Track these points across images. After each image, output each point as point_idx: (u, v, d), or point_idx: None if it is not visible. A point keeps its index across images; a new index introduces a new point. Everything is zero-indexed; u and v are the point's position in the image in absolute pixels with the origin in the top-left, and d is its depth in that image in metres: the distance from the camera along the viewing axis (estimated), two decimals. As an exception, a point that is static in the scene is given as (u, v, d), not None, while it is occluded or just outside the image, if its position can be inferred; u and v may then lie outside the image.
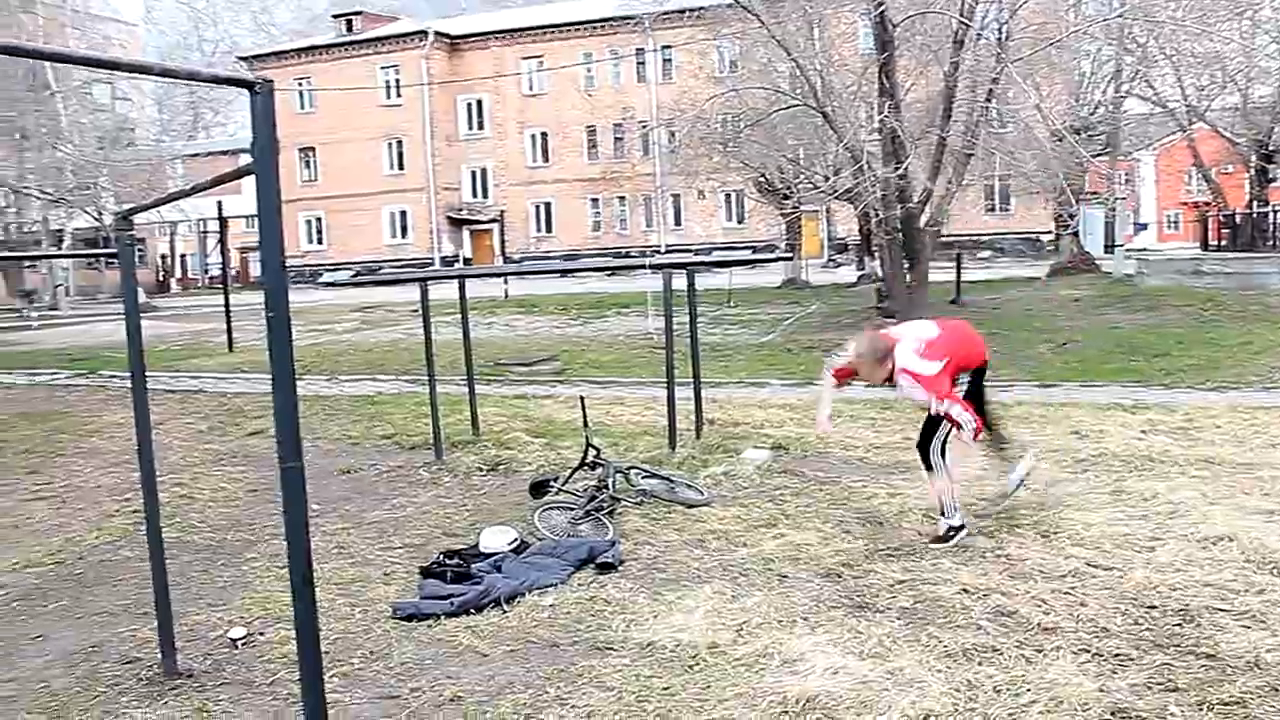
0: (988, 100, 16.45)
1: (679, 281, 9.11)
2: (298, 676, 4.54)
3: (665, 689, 4.27)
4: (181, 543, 6.70)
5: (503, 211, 50.95)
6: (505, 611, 5.25)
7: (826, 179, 20.77)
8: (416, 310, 23.66)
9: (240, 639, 5.10)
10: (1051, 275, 27.91)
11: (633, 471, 7.46)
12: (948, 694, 4.06)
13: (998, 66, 15.90)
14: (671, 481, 7.43)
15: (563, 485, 7.26)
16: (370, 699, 4.40)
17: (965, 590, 5.20)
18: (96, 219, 38.90)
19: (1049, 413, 10.06)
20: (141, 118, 50.05)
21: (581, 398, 8.11)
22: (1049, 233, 39.22)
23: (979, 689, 4.10)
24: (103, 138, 38.54)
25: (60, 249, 37.39)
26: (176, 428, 11.40)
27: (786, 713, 4.01)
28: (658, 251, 44.97)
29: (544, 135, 51.82)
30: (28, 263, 40.39)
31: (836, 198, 21.02)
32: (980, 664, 4.35)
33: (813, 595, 5.28)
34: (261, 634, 5.16)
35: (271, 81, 2.57)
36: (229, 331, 20.30)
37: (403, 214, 52.47)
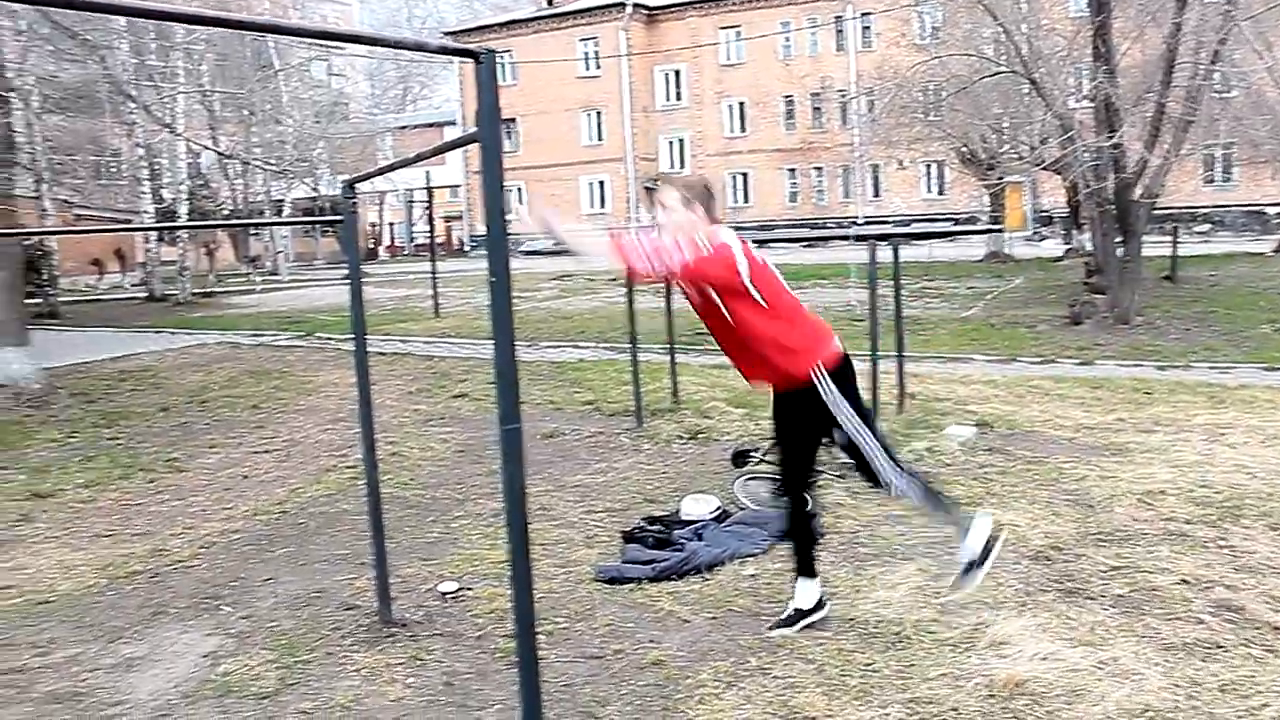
0: (1212, 63, 15.42)
1: (882, 253, 8.92)
2: (505, 631, 4.73)
3: (868, 664, 4.22)
4: (394, 498, 6.97)
5: (700, 181, 51.07)
6: (707, 579, 5.28)
7: (1032, 149, 19.97)
8: (614, 279, 24.11)
9: (450, 593, 5.29)
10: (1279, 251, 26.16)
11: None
12: (1167, 689, 3.86)
13: (1225, 26, 14.87)
14: (873, 455, 7.30)
15: (764, 456, 7.23)
16: (574, 658, 4.50)
17: (1185, 581, 4.93)
18: (314, 189, 40.95)
19: (1277, 397, 9.44)
20: (355, 93, 52.25)
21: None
22: (1276, 205, 36.71)
23: (1201, 686, 3.88)
24: (320, 112, 40.43)
25: (280, 217, 39.52)
26: (387, 388, 11.88)
27: (993, 696, 3.90)
28: (854, 222, 44.23)
29: (741, 105, 51.56)
30: (252, 231, 42.79)
31: (1043, 168, 20.18)
32: (1203, 660, 4.11)
33: (1020, 577, 5.11)
34: (470, 589, 5.34)
35: (494, 52, 2.61)
36: (435, 297, 21.04)
37: (600, 184, 53.19)
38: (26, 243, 20.16)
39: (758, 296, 4.23)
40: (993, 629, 4.48)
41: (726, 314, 4.27)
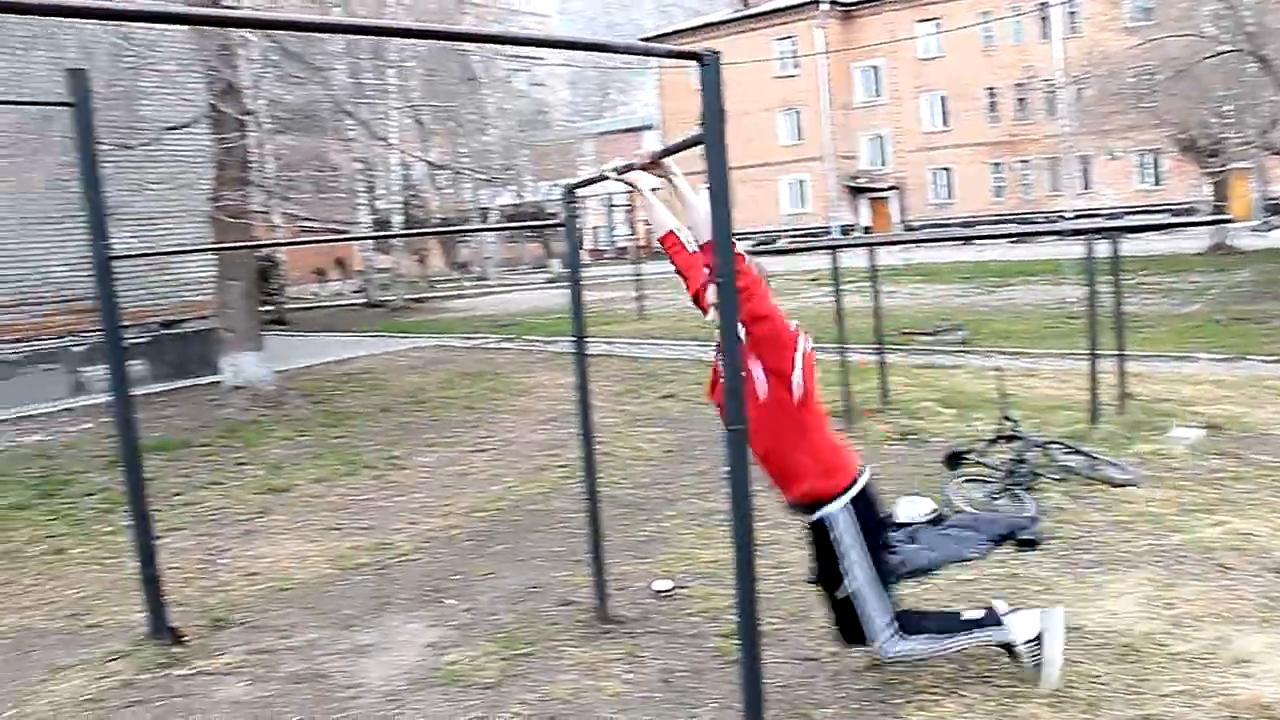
0: None
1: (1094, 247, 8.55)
2: (720, 630, 4.76)
3: (1096, 677, 4.05)
4: (606, 497, 7.08)
5: (901, 178, 50.11)
6: (923, 583, 5.18)
7: (1262, 132, 18.73)
8: (815, 278, 23.92)
9: (665, 591, 5.36)
10: None
11: (1052, 446, 7.11)
12: None
13: None
14: (1094, 458, 7.00)
15: (979, 458, 7.04)
16: (790, 659, 4.49)
17: None
18: (519, 195, 42.15)
19: None
20: (556, 101, 53.47)
21: (998, 369, 7.81)
22: None
23: None
24: (523, 121, 41.55)
25: (487, 223, 40.86)
26: (596, 389, 11.99)
27: (1235, 717, 3.68)
28: (1063, 217, 42.50)
29: (942, 99, 50.26)
30: (460, 237, 44.34)
31: (1273, 153, 18.89)
32: None
33: (1262, 591, 4.80)
34: (684, 588, 5.39)
35: (719, 53, 2.63)
36: (639, 299, 21.31)
37: (800, 183, 52.81)
38: (258, 254, 21.46)
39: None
40: (1233, 645, 4.24)
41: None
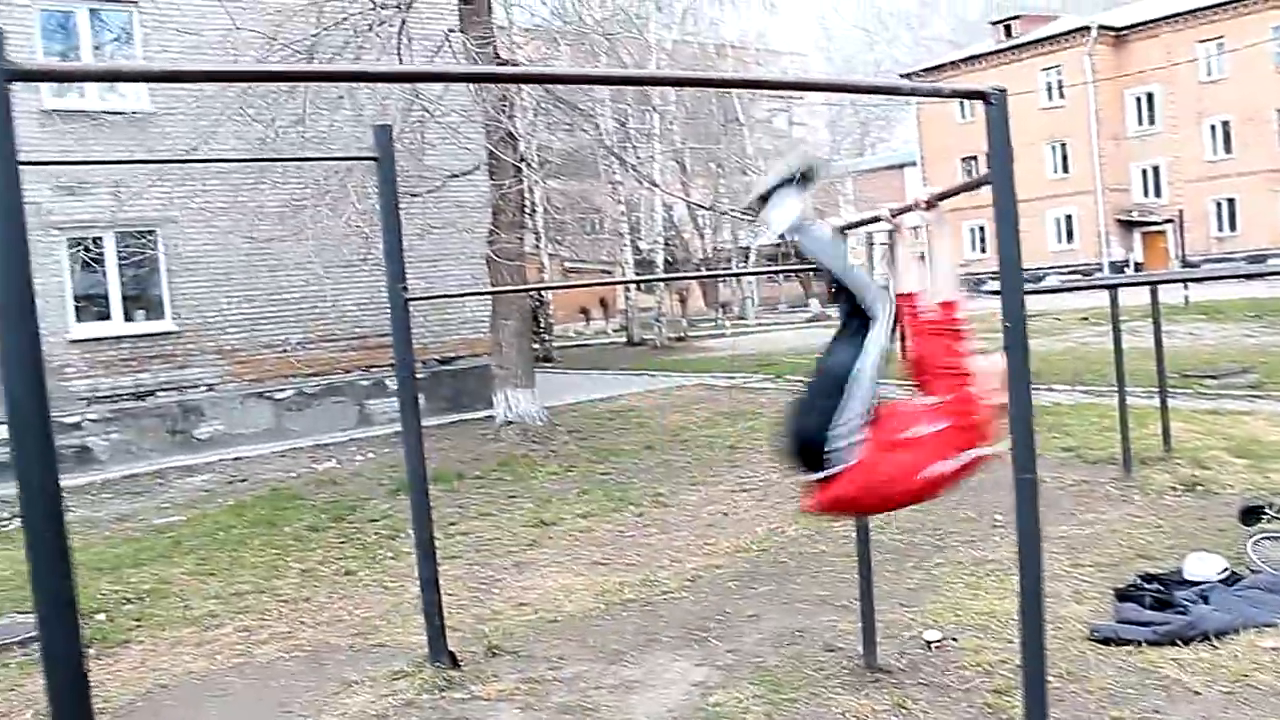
0: None
1: None
2: (993, 686, 4.59)
3: None
4: (872, 542, 6.99)
5: (1179, 211, 47.13)
6: (1216, 648, 4.82)
7: None
8: (1086, 318, 22.81)
9: (935, 642, 5.20)
10: None
11: (1366, 502, 6.50)
12: None
13: None
14: None
15: (1279, 512, 6.51)
16: (1070, 720, 4.27)
17: None
18: (779, 235, 42.17)
19: None
20: (815, 140, 53.38)
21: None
22: None
23: None
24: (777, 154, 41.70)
25: (747, 264, 41.20)
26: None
27: None
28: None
29: (1225, 124, 46.86)
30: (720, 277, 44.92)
31: None
32: None
33: None
34: (954, 639, 5.22)
35: (1005, 90, 2.58)
36: (902, 338, 20.85)
37: (1068, 218, 50.46)
38: (530, 294, 22.40)
39: None
40: None
41: None
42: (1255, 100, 44.89)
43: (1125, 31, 49.53)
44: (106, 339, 14.59)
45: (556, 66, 16.41)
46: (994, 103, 2.48)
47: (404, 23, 11.73)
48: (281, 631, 6.36)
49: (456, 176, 13.44)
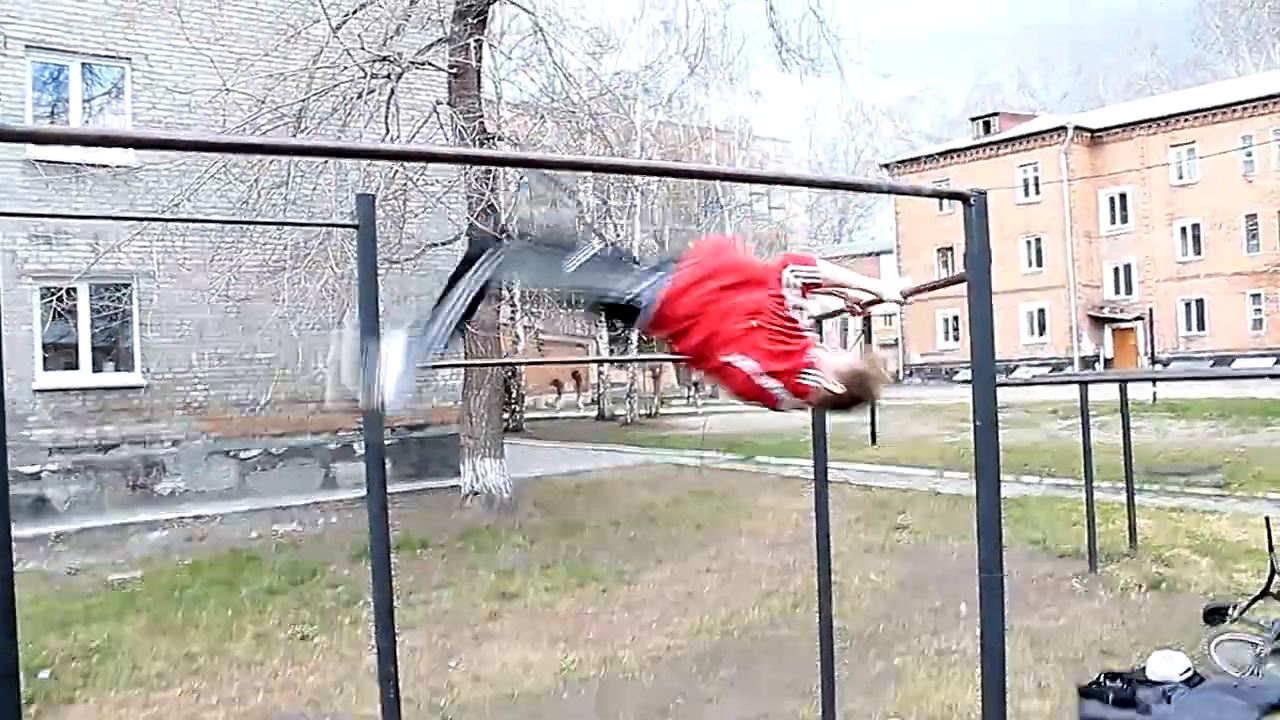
0: None
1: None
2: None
3: None
4: (836, 629, 6.95)
5: (1149, 309, 47.81)
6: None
7: None
8: (1055, 411, 22.97)
9: (896, 733, 5.16)
10: None
11: (1329, 607, 6.50)
12: None
13: None
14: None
15: (1241, 613, 6.51)
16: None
17: None
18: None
19: None
20: (794, 225, 54.00)
21: (1267, 518, 7.24)
22: None
23: None
24: (761, 244, 42.14)
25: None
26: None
27: None
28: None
29: (1195, 227, 47.74)
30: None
31: None
32: None
33: None
34: (916, 731, 5.18)
35: (985, 193, 2.63)
36: (872, 425, 20.96)
37: (1040, 312, 51.06)
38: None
39: None
40: None
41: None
42: (1225, 205, 45.92)
43: (1100, 133, 50.69)
44: (73, 389, 14.44)
45: (543, 143, 16.57)
46: (973, 204, 2.52)
47: (393, 92, 11.84)
48: (231, 696, 6.22)
49: (436, 245, 13.48)
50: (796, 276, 3.09)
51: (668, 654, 6.85)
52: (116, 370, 15.02)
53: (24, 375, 13.65)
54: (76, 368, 14.65)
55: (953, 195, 2.55)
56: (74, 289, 14.18)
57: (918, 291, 3.37)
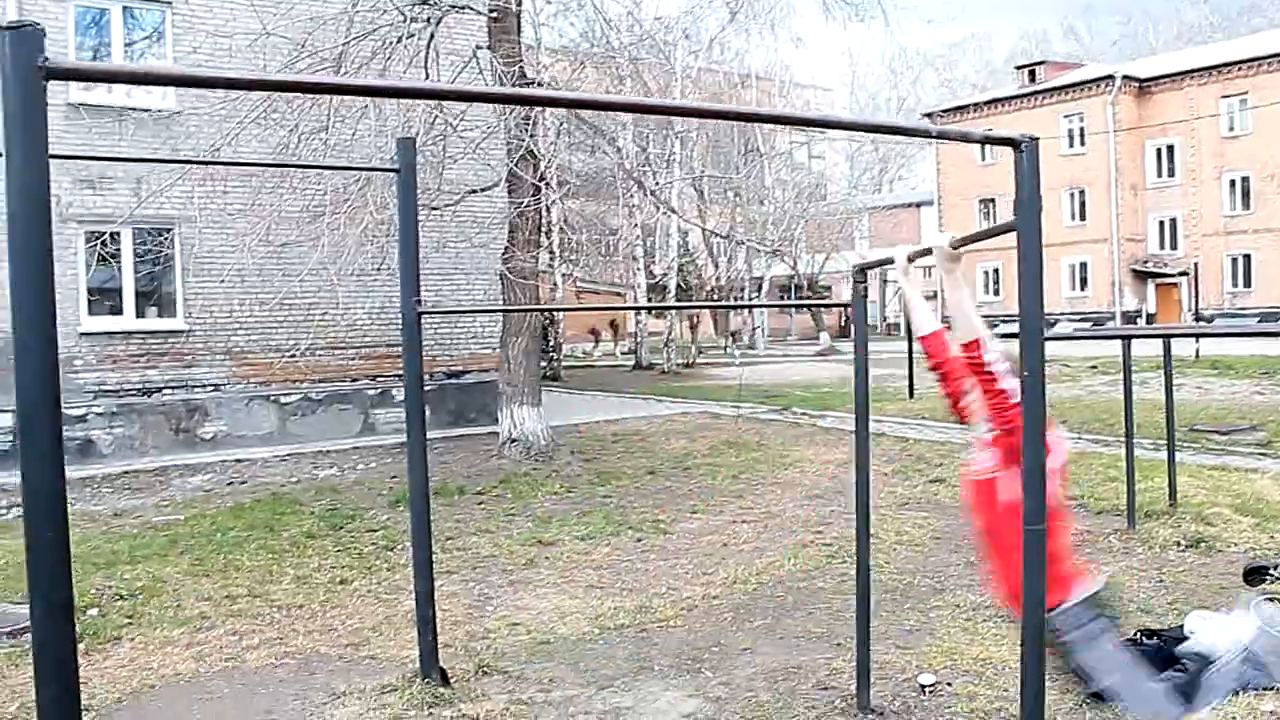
0: None
1: None
2: (987, 734, 4.54)
3: None
4: (871, 581, 6.97)
5: (1194, 263, 47.11)
6: (1214, 707, 4.76)
7: None
8: (1095, 366, 22.73)
9: (929, 685, 5.15)
10: None
11: (1373, 568, 6.44)
12: None
13: None
14: None
15: (1283, 573, 6.46)
16: (1063, 773, 4.22)
17: None
18: (792, 267, 42.35)
19: None
20: (834, 174, 53.47)
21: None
22: None
23: None
24: (800, 193, 41.80)
25: (760, 294, 41.23)
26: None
27: None
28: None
29: (1245, 180, 46.79)
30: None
31: None
32: None
33: None
34: (949, 684, 5.17)
35: (1037, 139, 2.57)
36: (910, 378, 20.86)
37: (1082, 266, 50.37)
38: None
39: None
40: None
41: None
42: (1276, 157, 44.88)
43: (1149, 83, 49.55)
44: (117, 334, 14.63)
45: (582, 89, 16.46)
46: (1024, 150, 2.46)
47: (433, 36, 11.78)
48: (273, 637, 6.33)
49: (476, 192, 13.47)
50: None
51: (702, 603, 6.88)
52: (159, 315, 15.20)
53: (69, 319, 13.84)
54: (120, 312, 14.83)
55: (1003, 141, 2.50)
56: (117, 234, 14.30)
57: (967, 241, 3.31)
